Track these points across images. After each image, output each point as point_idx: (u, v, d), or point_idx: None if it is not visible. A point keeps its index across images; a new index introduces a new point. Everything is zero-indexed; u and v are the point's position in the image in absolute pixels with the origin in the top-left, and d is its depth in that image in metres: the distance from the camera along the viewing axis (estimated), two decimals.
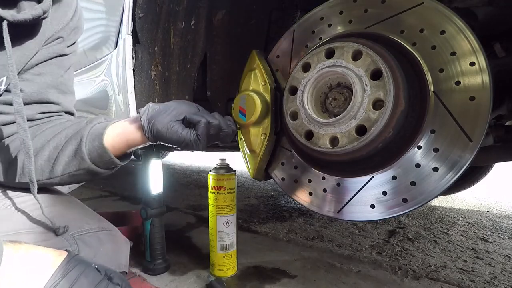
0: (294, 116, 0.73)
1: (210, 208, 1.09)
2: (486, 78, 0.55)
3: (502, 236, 1.52)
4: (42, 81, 0.68)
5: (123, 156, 0.70)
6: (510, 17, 0.75)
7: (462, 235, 1.54)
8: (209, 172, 1.09)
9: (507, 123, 1.03)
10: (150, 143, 0.67)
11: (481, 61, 0.56)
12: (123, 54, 0.79)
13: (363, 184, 0.68)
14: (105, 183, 2.81)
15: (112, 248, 0.66)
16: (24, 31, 0.61)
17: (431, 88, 0.60)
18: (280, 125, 0.84)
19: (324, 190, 0.74)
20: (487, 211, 2.00)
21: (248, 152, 0.87)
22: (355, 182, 0.69)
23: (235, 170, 1.10)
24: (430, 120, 0.60)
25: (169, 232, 1.39)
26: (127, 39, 0.78)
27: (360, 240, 1.46)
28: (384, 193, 0.65)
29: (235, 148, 1.92)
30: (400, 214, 0.65)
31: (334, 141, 0.66)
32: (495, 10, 0.73)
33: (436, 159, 0.59)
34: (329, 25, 0.75)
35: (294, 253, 1.30)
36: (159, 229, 1.14)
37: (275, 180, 0.87)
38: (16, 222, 0.59)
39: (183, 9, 0.88)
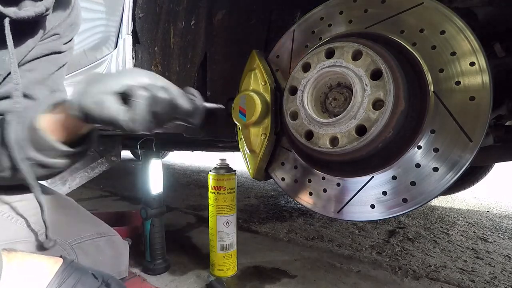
0: (294, 116, 0.73)
1: (210, 208, 1.09)
2: (486, 78, 0.55)
3: (502, 236, 1.52)
4: (32, 76, 0.64)
5: (79, 141, 0.57)
6: (510, 17, 0.75)
7: (462, 235, 1.54)
8: (209, 172, 1.09)
9: (507, 123, 1.03)
10: (93, 125, 0.52)
11: (481, 61, 0.56)
12: (123, 54, 0.79)
13: (363, 184, 0.68)
14: (105, 183, 2.81)
15: (112, 255, 0.65)
16: (26, 28, 0.60)
17: (431, 88, 0.60)
18: (280, 125, 0.84)
19: (324, 190, 0.74)
20: (487, 211, 2.00)
21: (248, 152, 0.87)
22: (355, 182, 0.69)
23: (235, 170, 1.10)
24: (430, 120, 0.60)
25: (169, 232, 1.39)
26: (127, 39, 0.78)
27: (360, 240, 1.46)
28: (384, 193, 0.65)
29: (235, 148, 1.92)
30: (400, 214, 0.65)
31: (334, 141, 0.66)
32: (495, 10, 0.73)
33: (436, 159, 0.59)
34: (329, 25, 0.75)
35: (294, 253, 1.30)
36: (159, 229, 1.14)
37: (275, 180, 0.87)
38: (13, 231, 0.57)
39: (183, 9, 0.88)
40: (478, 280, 1.08)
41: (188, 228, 1.65)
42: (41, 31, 0.63)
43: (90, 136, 0.59)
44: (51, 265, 0.49)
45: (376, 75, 0.61)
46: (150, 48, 0.84)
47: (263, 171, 0.88)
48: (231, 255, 1.09)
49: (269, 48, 0.91)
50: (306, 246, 1.39)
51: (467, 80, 0.57)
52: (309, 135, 0.70)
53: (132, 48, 0.79)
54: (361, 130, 0.62)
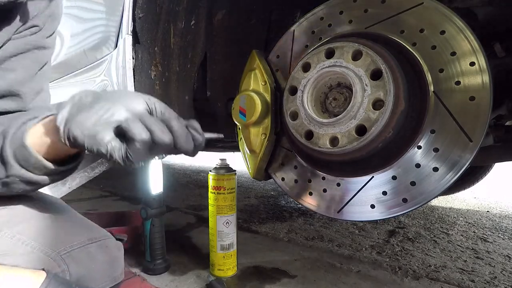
0: (294, 116, 0.73)
1: (210, 208, 1.09)
2: (486, 78, 0.55)
3: (502, 236, 1.52)
4: (13, 77, 0.58)
5: (66, 159, 0.53)
6: (510, 17, 0.75)
7: (462, 235, 1.54)
8: (209, 172, 1.09)
9: (507, 123, 1.03)
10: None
11: (481, 61, 0.56)
12: (123, 54, 0.79)
13: (363, 184, 0.68)
14: (105, 183, 2.81)
15: (105, 260, 0.61)
16: None
17: (431, 88, 0.60)
18: (280, 125, 0.84)
19: (324, 190, 0.74)
20: (487, 211, 2.00)
21: (248, 152, 0.87)
22: (355, 182, 0.69)
23: (235, 170, 1.10)
24: (430, 120, 0.60)
25: (169, 232, 1.39)
26: (127, 39, 0.78)
27: (360, 240, 1.46)
28: (384, 193, 0.65)
29: (235, 148, 1.92)
30: (400, 214, 0.65)
31: (334, 141, 0.66)
32: (495, 10, 0.73)
33: (436, 159, 0.59)
34: (329, 25, 0.75)
35: (294, 253, 1.30)
36: (159, 229, 1.14)
37: (275, 180, 0.87)
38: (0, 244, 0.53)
39: (183, 9, 0.88)
40: (478, 280, 1.08)
41: (188, 228, 1.65)
42: (17, 22, 0.56)
43: (80, 154, 0.55)
44: (34, 279, 0.45)
45: (376, 75, 0.61)
46: (150, 48, 0.84)
47: (263, 171, 0.88)
48: (231, 255, 1.09)
49: (269, 48, 0.91)
50: (306, 246, 1.39)
51: (467, 80, 0.57)
52: (309, 135, 0.70)
53: (132, 48, 0.79)
54: (361, 130, 0.62)
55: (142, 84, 0.83)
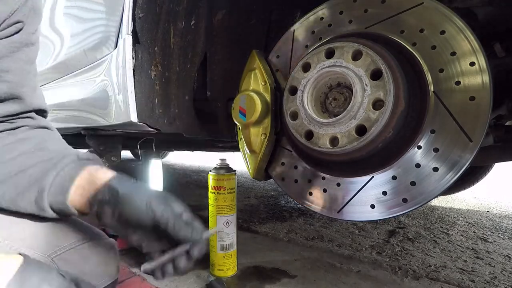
0: (294, 116, 0.73)
1: (210, 208, 1.09)
2: (486, 78, 0.55)
3: (502, 236, 1.52)
4: (10, 78, 0.59)
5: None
6: (510, 17, 0.75)
7: (462, 235, 1.54)
8: (209, 172, 1.09)
9: (507, 123, 1.03)
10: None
11: (481, 61, 0.56)
12: (123, 54, 0.79)
13: (363, 184, 0.68)
14: None
15: (98, 260, 0.60)
16: None
17: (431, 88, 0.60)
18: (280, 125, 0.84)
19: (324, 190, 0.74)
20: (487, 211, 2.00)
21: (248, 152, 0.87)
22: (355, 182, 0.69)
23: (235, 170, 1.10)
24: (430, 120, 0.60)
25: None
26: (127, 39, 0.78)
27: (360, 240, 1.46)
28: (384, 193, 0.65)
29: (235, 148, 1.92)
30: (400, 214, 0.65)
31: (334, 141, 0.66)
32: (495, 10, 0.73)
33: (436, 159, 0.59)
34: (329, 25, 0.75)
35: (294, 253, 1.30)
36: None
37: (275, 180, 0.87)
38: None
39: (183, 9, 0.88)
40: (478, 280, 1.08)
41: None
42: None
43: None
44: (9, 263, 0.43)
45: (376, 75, 0.61)
46: (150, 48, 0.84)
47: (263, 171, 0.88)
48: (231, 255, 1.09)
49: (269, 48, 0.91)
50: (306, 246, 1.39)
51: (467, 80, 0.57)
52: (309, 135, 0.70)
53: (132, 48, 0.79)
54: (361, 130, 0.62)
55: (142, 84, 0.83)
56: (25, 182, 0.54)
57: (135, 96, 0.80)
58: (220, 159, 1.10)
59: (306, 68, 0.72)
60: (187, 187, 2.83)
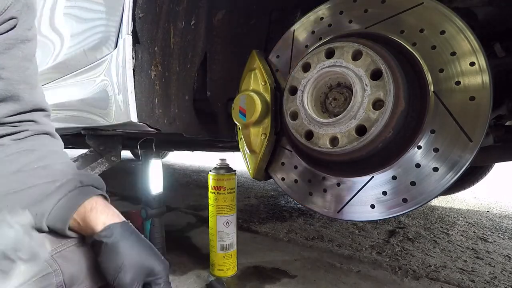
0: (294, 116, 0.73)
1: (210, 208, 1.09)
2: (486, 78, 0.55)
3: (502, 236, 1.52)
4: (6, 75, 0.58)
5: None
6: (510, 17, 0.75)
7: (462, 235, 1.54)
8: (209, 172, 1.09)
9: (507, 123, 1.03)
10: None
11: (481, 61, 0.56)
12: (123, 54, 0.79)
13: (363, 184, 0.68)
14: (105, 183, 2.81)
15: (97, 251, 0.60)
16: None
17: (431, 88, 0.60)
18: (280, 125, 0.84)
19: (324, 190, 0.74)
20: (487, 211, 2.00)
21: (248, 152, 0.87)
22: (355, 182, 0.69)
23: (235, 170, 1.10)
24: (430, 120, 0.60)
25: (169, 232, 1.39)
26: (127, 39, 0.78)
27: (360, 240, 1.46)
28: (384, 193, 0.65)
29: (235, 148, 1.92)
30: (400, 214, 0.65)
31: (334, 141, 0.66)
32: (495, 10, 0.73)
33: (436, 159, 0.59)
34: (329, 25, 0.75)
35: (294, 253, 1.30)
36: (159, 229, 1.14)
37: (275, 180, 0.87)
38: None
39: (183, 9, 0.88)
40: (478, 280, 1.07)
41: (188, 228, 1.65)
42: None
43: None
44: None
45: (376, 75, 0.61)
46: (150, 48, 0.84)
47: (263, 171, 0.88)
48: (231, 255, 1.09)
49: (269, 48, 0.91)
50: (306, 246, 1.39)
51: (467, 80, 0.57)
52: (309, 135, 0.70)
53: (132, 48, 0.79)
54: (361, 130, 0.62)
55: (142, 84, 0.83)
56: (25, 202, 0.55)
57: (135, 96, 0.80)
58: (220, 159, 1.10)
59: (306, 68, 0.72)
60: (187, 187, 2.83)
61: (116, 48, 0.82)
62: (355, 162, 0.67)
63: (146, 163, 1.11)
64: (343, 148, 0.64)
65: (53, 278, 0.52)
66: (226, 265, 1.08)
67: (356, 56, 0.64)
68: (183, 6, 0.88)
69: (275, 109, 0.83)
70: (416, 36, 0.62)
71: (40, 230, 0.55)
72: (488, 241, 1.45)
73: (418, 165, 0.61)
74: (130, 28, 0.78)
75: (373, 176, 0.66)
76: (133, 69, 0.80)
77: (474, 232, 1.59)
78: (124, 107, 0.81)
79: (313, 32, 0.78)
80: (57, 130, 0.70)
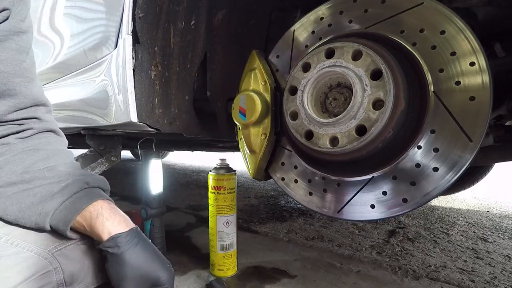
0: (294, 116, 0.73)
1: (210, 208, 1.09)
2: (486, 78, 0.55)
3: (502, 236, 1.52)
4: (3, 68, 0.57)
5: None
6: (510, 17, 0.75)
7: (462, 235, 1.54)
8: (209, 172, 1.09)
9: (507, 123, 1.03)
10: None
11: (481, 61, 0.56)
12: (123, 54, 0.79)
13: (363, 184, 0.68)
14: None
15: (99, 257, 0.60)
16: None
17: (431, 88, 0.60)
18: (280, 125, 0.84)
19: (324, 190, 0.74)
20: (487, 211, 2.00)
21: (248, 152, 0.87)
22: (355, 182, 0.69)
23: (235, 170, 1.10)
24: (430, 120, 0.60)
25: (169, 232, 1.39)
26: (127, 39, 0.78)
27: (360, 240, 1.46)
28: (384, 193, 0.65)
29: (235, 148, 1.92)
30: (400, 214, 0.65)
31: (334, 141, 0.66)
32: (495, 10, 0.73)
33: (436, 159, 0.59)
34: (329, 25, 0.75)
35: (294, 253, 1.30)
36: (159, 229, 1.14)
37: (275, 180, 0.87)
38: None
39: (183, 9, 0.88)
40: (478, 280, 1.08)
41: (188, 228, 1.65)
42: None
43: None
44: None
45: (376, 75, 0.61)
46: (150, 48, 0.84)
47: (263, 171, 0.88)
48: (231, 255, 1.09)
49: (269, 48, 0.91)
50: (306, 246, 1.39)
51: (467, 80, 0.57)
52: (309, 135, 0.70)
53: (132, 48, 0.79)
54: (361, 130, 0.62)
55: (142, 84, 0.83)
56: (29, 201, 0.55)
57: (135, 96, 0.80)
58: (220, 159, 1.10)
59: (306, 68, 0.72)
60: (187, 187, 2.83)
61: (116, 48, 0.82)
62: (355, 162, 0.67)
63: (146, 163, 1.12)
64: (343, 148, 0.64)
65: (54, 276, 0.52)
66: (226, 265, 1.08)
67: (356, 56, 0.64)
68: (183, 6, 0.88)
69: (275, 109, 0.83)
70: (416, 36, 0.62)
71: (42, 230, 0.54)
72: (488, 241, 1.45)
73: (418, 165, 0.61)
74: (130, 28, 0.78)
75: (373, 176, 0.66)
76: (133, 69, 0.80)
77: (474, 232, 1.59)
78: (124, 107, 0.81)
79: (313, 32, 0.78)
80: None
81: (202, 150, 2.33)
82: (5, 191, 0.55)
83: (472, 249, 1.36)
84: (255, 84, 0.85)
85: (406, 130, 0.62)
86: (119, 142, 1.24)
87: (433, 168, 0.60)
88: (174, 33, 0.88)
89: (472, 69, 0.57)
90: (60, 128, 0.71)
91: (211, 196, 1.08)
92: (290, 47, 0.83)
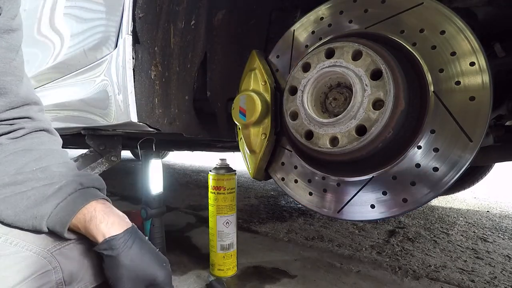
0: (294, 116, 0.73)
1: (210, 208, 1.09)
2: (486, 78, 0.55)
3: (502, 236, 1.52)
4: None
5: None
6: (510, 17, 0.75)
7: (462, 235, 1.54)
8: (209, 172, 1.09)
9: (507, 123, 1.03)
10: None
11: (481, 61, 0.56)
12: (123, 54, 0.79)
13: (363, 184, 0.68)
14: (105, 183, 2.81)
15: (98, 256, 0.59)
16: None
17: (431, 88, 0.60)
18: (280, 125, 0.84)
19: (324, 190, 0.74)
20: (487, 211, 2.00)
21: (248, 152, 0.87)
22: (355, 182, 0.69)
23: (235, 170, 1.10)
24: (430, 120, 0.60)
25: (169, 232, 1.39)
26: (127, 39, 0.78)
27: (360, 240, 1.46)
28: (384, 193, 0.65)
29: (235, 148, 1.92)
30: (400, 214, 0.65)
31: (334, 141, 0.66)
32: (495, 10, 0.73)
33: (436, 159, 0.59)
34: (329, 25, 0.75)
35: (294, 253, 1.30)
36: (159, 229, 1.14)
37: (275, 180, 0.87)
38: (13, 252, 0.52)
39: (183, 9, 0.88)
40: (478, 280, 1.08)
41: (188, 228, 1.65)
42: None
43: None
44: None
45: (376, 75, 0.61)
46: (150, 48, 0.84)
47: (263, 171, 0.88)
48: (231, 255, 1.09)
49: (269, 48, 0.91)
50: (306, 246, 1.39)
51: (467, 80, 0.57)
52: (309, 135, 0.70)
53: (132, 48, 0.79)
54: (361, 130, 0.62)
55: (142, 84, 0.83)
56: (24, 205, 0.54)
57: (135, 96, 0.80)
58: (220, 159, 1.10)
59: (306, 68, 0.72)
60: (187, 187, 2.83)
61: (116, 48, 0.82)
62: (355, 162, 0.67)
63: (146, 163, 1.12)
64: (343, 148, 0.64)
65: (53, 275, 0.52)
66: (226, 265, 1.08)
67: (356, 56, 0.64)
68: (183, 6, 0.88)
69: (275, 109, 0.83)
70: (416, 36, 0.62)
71: (39, 232, 0.54)
72: (488, 241, 1.45)
73: (418, 165, 0.61)
74: (130, 28, 0.78)
75: (373, 176, 0.66)
76: (133, 69, 0.80)
77: (474, 232, 1.59)
78: (124, 107, 0.81)
79: (313, 32, 0.78)
80: (57, 130, 0.70)
81: (202, 150, 2.33)
82: None
83: (472, 249, 1.36)
84: (255, 84, 0.85)
85: (406, 130, 0.62)
86: (119, 142, 1.24)
87: (433, 168, 0.60)
88: (174, 33, 0.88)
89: (472, 69, 0.57)
90: (60, 128, 0.71)
91: (211, 196, 1.08)
92: (290, 47, 0.83)
